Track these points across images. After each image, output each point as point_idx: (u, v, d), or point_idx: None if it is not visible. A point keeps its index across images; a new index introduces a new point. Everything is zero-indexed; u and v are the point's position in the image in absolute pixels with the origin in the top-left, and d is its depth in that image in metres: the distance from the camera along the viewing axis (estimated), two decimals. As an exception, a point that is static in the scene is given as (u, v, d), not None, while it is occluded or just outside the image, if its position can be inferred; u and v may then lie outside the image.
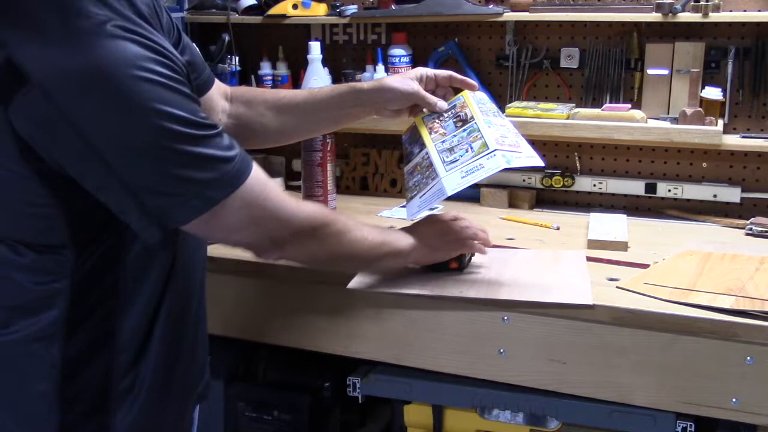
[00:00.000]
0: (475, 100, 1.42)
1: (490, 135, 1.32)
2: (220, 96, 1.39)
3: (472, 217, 1.85)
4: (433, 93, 1.43)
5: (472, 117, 1.37)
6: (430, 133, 1.40)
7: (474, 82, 1.45)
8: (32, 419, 1.05)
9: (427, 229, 1.40)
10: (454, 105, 1.42)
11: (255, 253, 1.13)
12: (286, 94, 1.47)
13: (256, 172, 1.04)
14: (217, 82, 1.38)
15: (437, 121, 1.41)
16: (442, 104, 1.42)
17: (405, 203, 1.41)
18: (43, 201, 0.98)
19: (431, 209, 1.50)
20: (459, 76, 1.44)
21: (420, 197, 1.36)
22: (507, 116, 1.86)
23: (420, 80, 1.41)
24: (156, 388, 1.09)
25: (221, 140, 1.00)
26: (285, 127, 1.43)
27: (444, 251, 1.41)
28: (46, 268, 1.01)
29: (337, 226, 1.20)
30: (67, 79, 0.90)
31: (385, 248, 1.31)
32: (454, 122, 1.39)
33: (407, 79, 1.40)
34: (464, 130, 1.36)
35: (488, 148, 1.29)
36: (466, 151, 1.32)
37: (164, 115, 0.93)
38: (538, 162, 1.32)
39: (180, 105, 0.95)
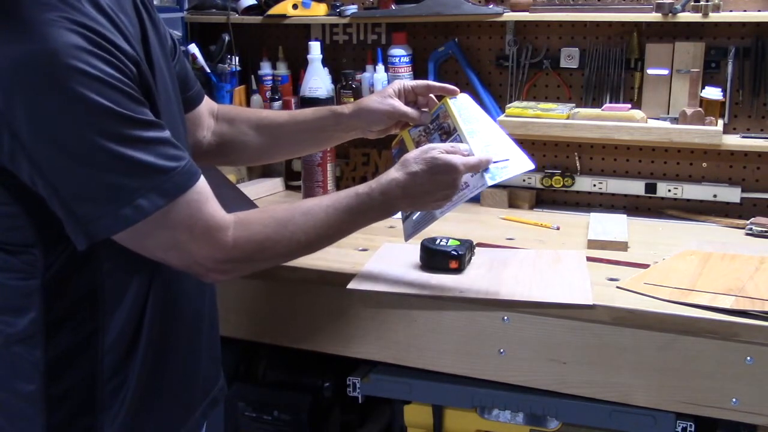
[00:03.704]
0: (457, 108, 1.38)
1: (474, 147, 1.28)
2: (207, 113, 1.38)
3: (472, 217, 1.87)
4: (415, 103, 1.41)
5: (454, 128, 1.34)
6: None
7: (454, 87, 1.40)
8: (20, 418, 1.05)
9: (420, 181, 1.21)
10: (437, 115, 1.39)
11: (192, 274, 1.07)
12: (269, 114, 1.46)
13: (196, 192, 1.00)
14: (206, 99, 1.38)
15: (423, 134, 1.39)
16: (425, 117, 1.39)
17: (402, 219, 1.39)
18: (4, 200, 0.97)
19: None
20: (437, 84, 1.41)
21: (414, 218, 1.34)
22: (507, 116, 1.87)
23: (398, 95, 1.39)
24: (145, 391, 1.09)
25: (164, 148, 0.97)
26: (265, 146, 1.42)
27: (431, 207, 1.27)
28: (17, 267, 1.01)
29: (276, 244, 1.11)
30: (6, 63, 0.88)
31: (353, 217, 1.19)
32: (439, 135, 1.36)
33: (385, 97, 1.38)
34: (448, 144, 1.33)
35: None
36: None
37: (100, 110, 0.91)
38: (528, 166, 1.27)
39: (120, 102, 0.92)
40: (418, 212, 1.33)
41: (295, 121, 1.42)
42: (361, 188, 1.20)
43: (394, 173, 1.21)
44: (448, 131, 1.35)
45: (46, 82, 0.89)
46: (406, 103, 1.40)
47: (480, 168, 1.24)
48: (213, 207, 1.04)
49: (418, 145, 1.38)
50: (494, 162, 1.26)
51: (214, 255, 1.04)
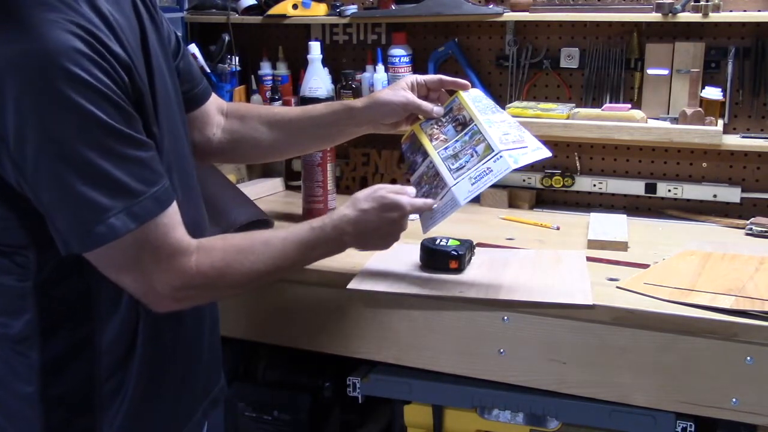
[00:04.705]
0: (471, 99, 1.39)
1: (493, 135, 1.30)
2: (216, 111, 1.38)
3: (472, 217, 1.87)
4: (426, 98, 1.41)
5: (471, 119, 1.35)
6: (431, 141, 1.38)
7: (466, 82, 1.41)
8: (18, 419, 1.05)
9: (369, 218, 1.26)
10: (451, 108, 1.40)
11: (146, 303, 1.05)
12: (280, 110, 1.46)
13: (166, 216, 1.00)
14: (214, 96, 1.37)
15: (436, 127, 1.39)
16: (438, 110, 1.39)
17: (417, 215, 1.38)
18: None
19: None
20: (449, 78, 1.41)
21: (433, 209, 1.33)
22: (507, 116, 1.87)
23: (411, 88, 1.39)
24: (144, 392, 1.09)
25: (140, 169, 0.96)
26: (277, 142, 1.41)
27: (378, 247, 1.33)
28: (11, 268, 1.01)
29: (235, 272, 1.11)
30: (1, 63, 0.88)
31: (307, 249, 1.22)
32: (453, 126, 1.37)
33: (398, 89, 1.38)
34: (466, 134, 1.34)
35: (493, 151, 1.27)
36: (471, 156, 1.30)
37: (85, 116, 0.90)
38: (546, 154, 1.30)
39: (107, 112, 0.92)
40: (436, 202, 1.31)
41: (308, 116, 1.41)
42: (316, 222, 1.24)
43: (345, 210, 1.26)
44: (463, 122, 1.36)
45: (36, 80, 0.88)
46: (418, 98, 1.39)
47: (425, 209, 1.30)
48: (180, 232, 1.04)
49: (432, 138, 1.38)
50: (515, 149, 1.28)
51: (173, 281, 1.04)
